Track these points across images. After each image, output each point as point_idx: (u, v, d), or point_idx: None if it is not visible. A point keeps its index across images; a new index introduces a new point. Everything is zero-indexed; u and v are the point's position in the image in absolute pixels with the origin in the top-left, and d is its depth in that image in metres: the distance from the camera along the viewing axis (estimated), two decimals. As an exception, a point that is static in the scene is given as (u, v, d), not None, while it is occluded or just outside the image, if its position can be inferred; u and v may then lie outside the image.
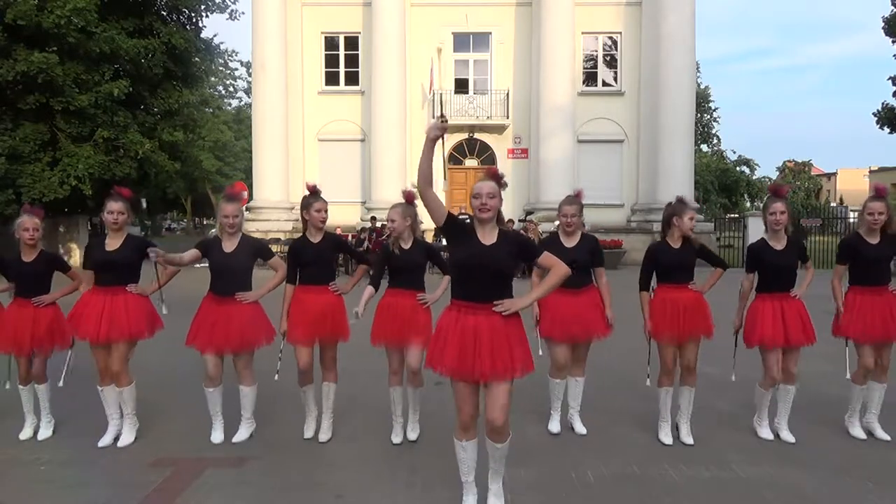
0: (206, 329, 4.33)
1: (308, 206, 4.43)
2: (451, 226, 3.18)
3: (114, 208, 4.36)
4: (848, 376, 4.62)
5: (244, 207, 4.74)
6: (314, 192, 4.48)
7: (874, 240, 4.53)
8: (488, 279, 3.13)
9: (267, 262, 4.67)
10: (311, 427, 4.63)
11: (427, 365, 3.25)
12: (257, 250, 4.58)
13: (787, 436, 4.54)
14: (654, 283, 4.60)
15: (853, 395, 4.65)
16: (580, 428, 4.69)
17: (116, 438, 4.47)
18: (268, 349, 4.53)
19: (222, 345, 4.34)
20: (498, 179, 3.21)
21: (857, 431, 4.61)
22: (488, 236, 3.19)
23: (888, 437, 4.54)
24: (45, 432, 4.64)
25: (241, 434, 4.55)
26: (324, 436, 4.57)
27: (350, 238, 17.34)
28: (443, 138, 3.10)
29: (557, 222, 4.68)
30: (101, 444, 4.41)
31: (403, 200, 4.41)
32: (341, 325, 4.47)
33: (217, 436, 4.51)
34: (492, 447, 3.26)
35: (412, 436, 4.52)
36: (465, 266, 3.15)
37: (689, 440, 4.50)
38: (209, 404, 4.52)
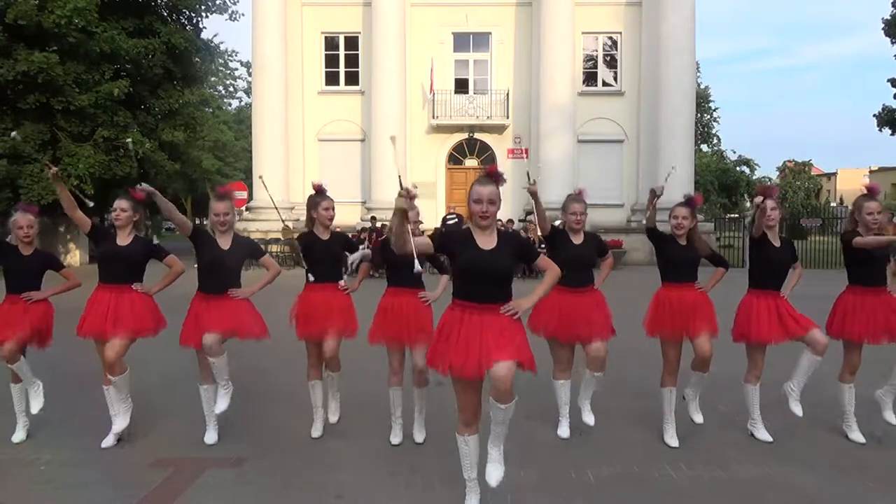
0: (200, 327, 4.30)
1: (316, 206, 4.48)
2: (444, 245, 3.23)
3: (117, 206, 4.43)
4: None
5: (244, 207, 4.76)
6: (320, 191, 4.52)
7: None
8: (490, 283, 3.15)
9: (259, 261, 4.66)
10: (317, 428, 4.62)
11: (429, 364, 3.25)
12: (249, 249, 4.62)
13: (795, 408, 4.47)
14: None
15: (844, 398, 4.59)
16: (588, 418, 4.59)
17: (120, 438, 4.44)
18: (265, 347, 4.51)
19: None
20: (497, 180, 3.19)
21: (856, 435, 4.53)
22: (488, 241, 3.18)
23: (863, 440, 4.48)
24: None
25: (222, 404, 4.39)
26: (333, 417, 4.70)
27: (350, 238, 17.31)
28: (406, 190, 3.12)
29: (558, 221, 4.67)
30: (103, 444, 4.38)
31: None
32: (349, 322, 4.49)
33: (211, 436, 4.49)
34: (495, 408, 3.17)
35: (418, 438, 4.48)
36: (466, 272, 3.16)
37: (698, 419, 4.58)
38: (203, 404, 4.49)
